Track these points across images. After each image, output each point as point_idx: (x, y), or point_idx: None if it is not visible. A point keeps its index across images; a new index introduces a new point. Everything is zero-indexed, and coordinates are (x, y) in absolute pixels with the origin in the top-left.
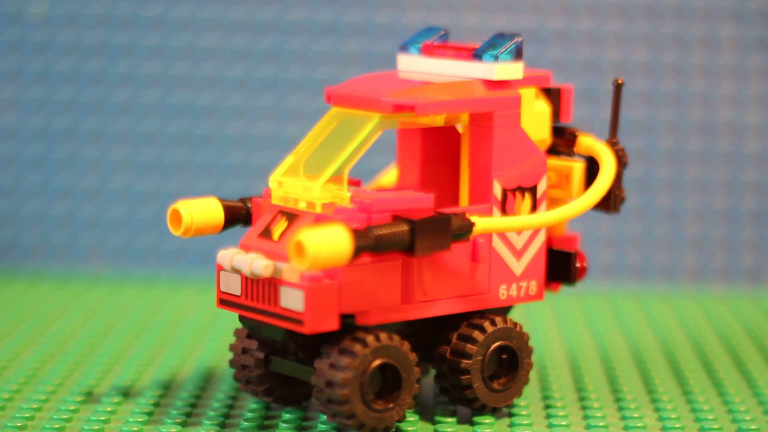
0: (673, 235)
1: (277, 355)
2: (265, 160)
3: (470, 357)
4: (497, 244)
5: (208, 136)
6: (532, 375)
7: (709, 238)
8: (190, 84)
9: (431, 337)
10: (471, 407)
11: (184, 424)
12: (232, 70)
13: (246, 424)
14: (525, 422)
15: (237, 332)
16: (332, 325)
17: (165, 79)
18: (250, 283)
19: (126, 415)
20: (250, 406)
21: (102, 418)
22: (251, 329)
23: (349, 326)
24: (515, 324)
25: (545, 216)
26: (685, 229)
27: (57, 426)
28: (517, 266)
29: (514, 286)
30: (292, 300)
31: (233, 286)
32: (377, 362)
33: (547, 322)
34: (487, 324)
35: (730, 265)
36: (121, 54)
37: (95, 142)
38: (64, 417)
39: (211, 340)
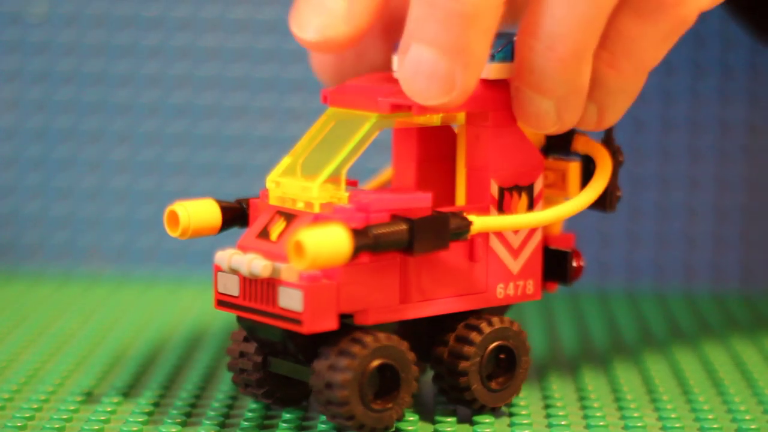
0: (673, 234)
1: (276, 356)
2: (265, 160)
3: (468, 359)
4: (494, 243)
5: (208, 136)
6: (532, 375)
7: (707, 238)
8: (190, 84)
9: (429, 336)
10: (470, 408)
11: (184, 424)
12: (232, 70)
13: (246, 424)
14: (525, 422)
15: (233, 335)
16: (331, 324)
17: (165, 79)
18: (248, 283)
19: (126, 415)
20: (250, 407)
21: (102, 418)
22: (249, 330)
23: (347, 326)
24: (512, 323)
25: (542, 214)
26: (685, 229)
27: (57, 426)
28: (514, 265)
29: (511, 284)
30: (290, 300)
31: (231, 286)
32: (376, 363)
33: (544, 321)
34: (484, 325)
35: (730, 265)
36: (121, 54)
37: (95, 142)
38: (64, 417)
39: (210, 340)
